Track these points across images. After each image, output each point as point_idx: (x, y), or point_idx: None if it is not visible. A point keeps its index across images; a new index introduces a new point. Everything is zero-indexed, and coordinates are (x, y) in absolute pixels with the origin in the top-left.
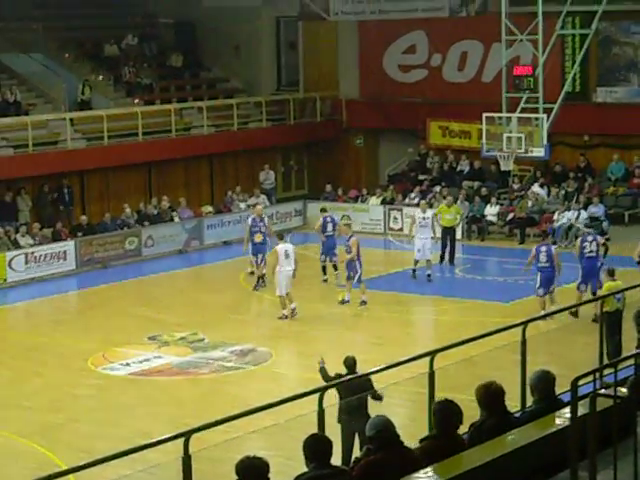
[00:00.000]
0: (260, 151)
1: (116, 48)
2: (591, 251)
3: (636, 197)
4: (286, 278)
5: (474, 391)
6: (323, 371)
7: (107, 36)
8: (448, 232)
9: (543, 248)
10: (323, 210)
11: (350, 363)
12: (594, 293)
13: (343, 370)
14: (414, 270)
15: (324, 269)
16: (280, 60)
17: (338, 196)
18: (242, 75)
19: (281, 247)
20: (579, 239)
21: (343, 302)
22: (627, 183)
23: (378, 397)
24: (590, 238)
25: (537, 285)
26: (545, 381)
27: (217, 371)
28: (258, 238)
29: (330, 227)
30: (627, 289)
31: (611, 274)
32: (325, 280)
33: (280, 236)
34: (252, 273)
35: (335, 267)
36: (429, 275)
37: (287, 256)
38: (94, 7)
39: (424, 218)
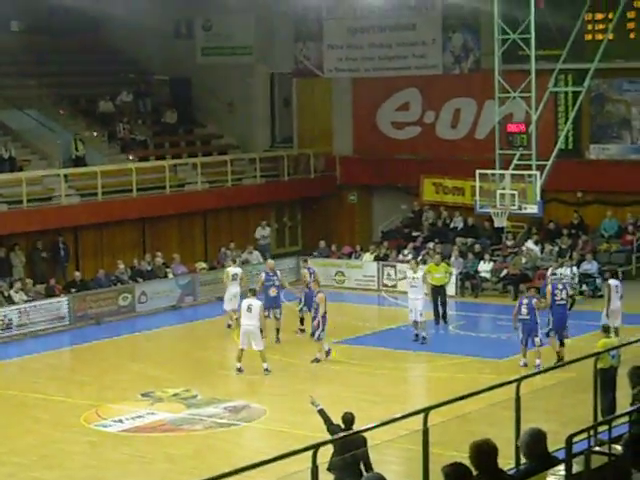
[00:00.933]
0: (254, 207)
1: (111, 104)
2: (562, 299)
3: (629, 254)
4: (244, 333)
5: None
6: (323, 413)
7: (102, 92)
8: (438, 291)
9: (525, 300)
10: (305, 261)
11: (349, 419)
12: (561, 342)
13: (341, 424)
14: (416, 334)
15: (302, 320)
16: (274, 116)
17: (332, 252)
18: (236, 131)
19: (245, 301)
20: (550, 286)
21: (327, 354)
22: (620, 240)
23: (369, 468)
24: (560, 286)
25: (520, 336)
26: (537, 439)
27: (210, 428)
28: (273, 292)
29: (311, 278)
30: (622, 346)
31: (606, 330)
32: (302, 330)
33: (253, 292)
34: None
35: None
36: (424, 338)
37: (249, 310)
38: (89, 64)
39: (414, 278)
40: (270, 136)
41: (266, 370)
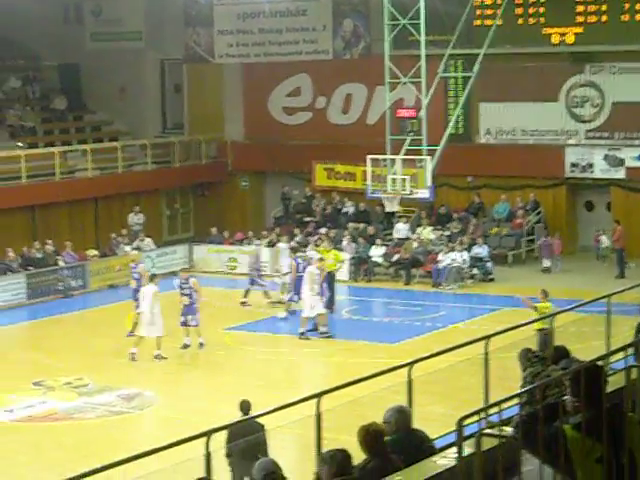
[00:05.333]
0: (145, 194)
1: None
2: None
3: (519, 238)
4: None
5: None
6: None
7: None
8: (327, 277)
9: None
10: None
11: (245, 406)
12: None
13: (238, 414)
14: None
15: None
16: (165, 102)
17: (224, 239)
18: (127, 118)
19: (149, 288)
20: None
21: (185, 347)
22: (510, 224)
23: (265, 453)
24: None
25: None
26: (403, 414)
27: (103, 416)
28: (133, 284)
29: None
30: (513, 328)
31: (545, 295)
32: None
33: (151, 278)
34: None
35: None
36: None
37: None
38: None
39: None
40: (161, 122)
41: (156, 357)
